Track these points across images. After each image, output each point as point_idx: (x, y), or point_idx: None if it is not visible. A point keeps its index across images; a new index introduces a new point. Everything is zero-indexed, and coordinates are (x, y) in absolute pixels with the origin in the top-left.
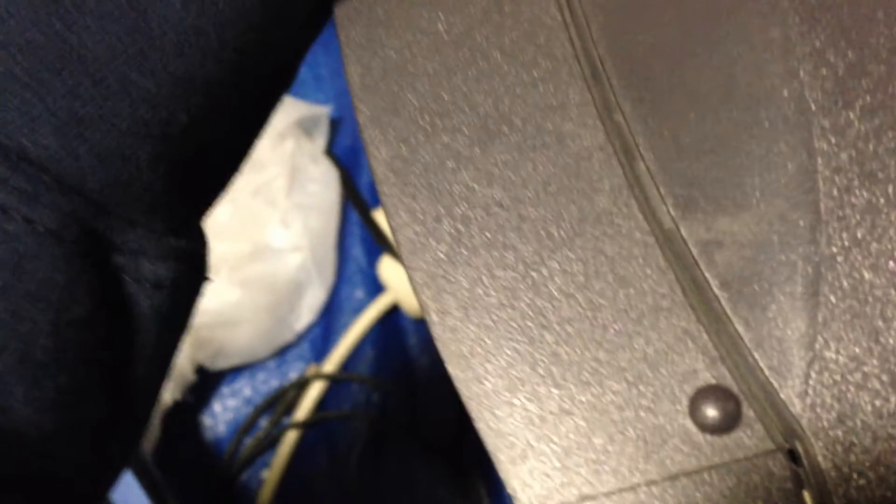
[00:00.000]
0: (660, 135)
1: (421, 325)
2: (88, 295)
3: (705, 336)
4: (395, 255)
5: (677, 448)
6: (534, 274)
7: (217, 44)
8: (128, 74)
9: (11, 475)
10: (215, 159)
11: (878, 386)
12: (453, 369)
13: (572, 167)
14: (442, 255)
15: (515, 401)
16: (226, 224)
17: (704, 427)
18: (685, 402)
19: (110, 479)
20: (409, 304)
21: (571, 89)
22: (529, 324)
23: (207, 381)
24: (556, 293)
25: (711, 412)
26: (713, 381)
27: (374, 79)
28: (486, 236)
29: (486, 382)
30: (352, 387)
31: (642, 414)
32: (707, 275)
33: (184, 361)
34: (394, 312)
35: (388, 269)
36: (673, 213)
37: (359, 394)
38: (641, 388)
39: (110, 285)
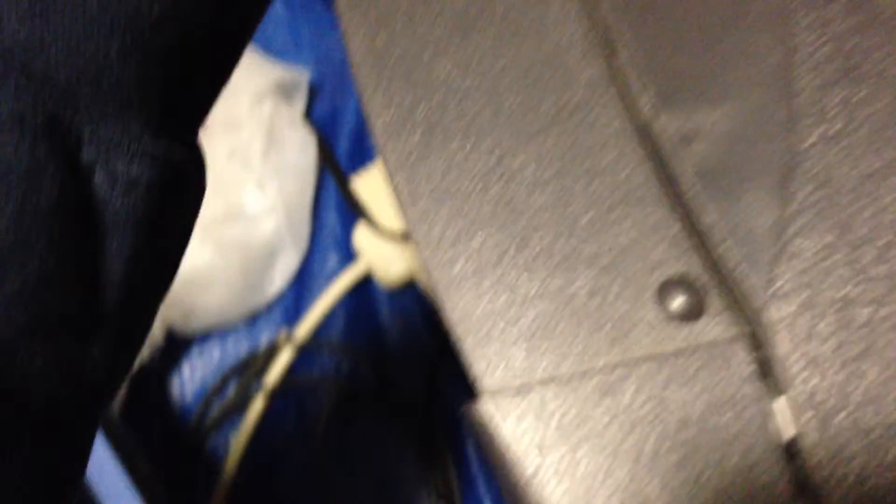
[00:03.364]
0: (641, 27)
1: (393, 295)
2: (55, 184)
3: (677, 227)
4: (371, 222)
5: (643, 334)
6: (508, 161)
7: None
8: None
9: None
10: (193, 60)
11: (847, 273)
12: (423, 252)
13: (552, 57)
14: (416, 140)
15: (484, 285)
16: None
17: (671, 315)
18: (653, 290)
19: (102, 389)
20: (383, 273)
21: None
22: (501, 210)
23: (177, 344)
24: (529, 181)
25: (678, 300)
26: (682, 271)
27: None
28: (462, 123)
29: (455, 266)
30: (322, 354)
31: (610, 301)
32: (682, 166)
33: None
34: (367, 281)
35: (362, 237)
36: (651, 103)
37: (329, 361)
38: (611, 276)
39: (80, 178)
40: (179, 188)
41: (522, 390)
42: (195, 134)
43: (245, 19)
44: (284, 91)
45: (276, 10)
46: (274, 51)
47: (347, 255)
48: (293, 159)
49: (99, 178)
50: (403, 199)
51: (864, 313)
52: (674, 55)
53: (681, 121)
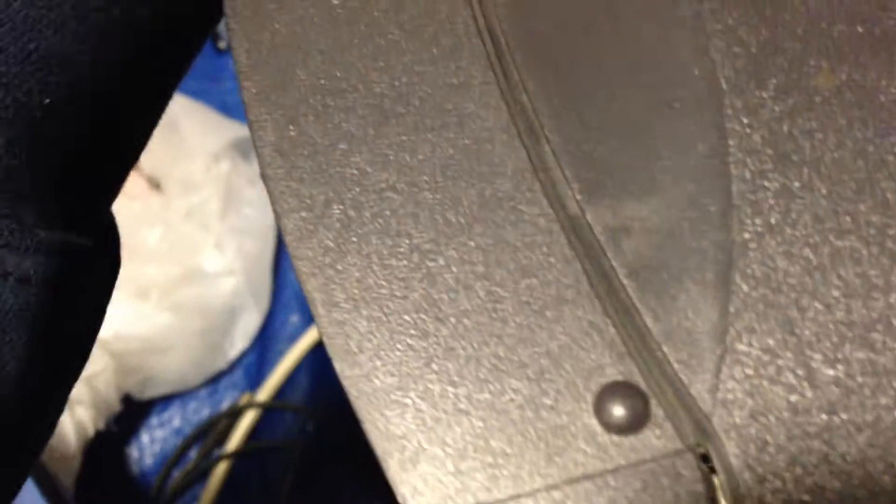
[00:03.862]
0: (565, 115)
1: None
2: None
3: (612, 329)
4: None
5: (581, 449)
6: (429, 263)
7: (74, 20)
8: None
9: None
10: (89, 145)
11: (792, 380)
12: (340, 366)
13: (473, 149)
14: (330, 243)
15: (407, 400)
16: (156, 247)
17: (610, 427)
18: (590, 399)
19: None
20: None
21: (474, 68)
22: (424, 316)
23: (134, 411)
24: (452, 283)
25: (618, 411)
26: (620, 378)
27: (262, 55)
28: (379, 223)
29: (375, 380)
30: (286, 416)
31: (544, 413)
32: (614, 263)
33: (109, 389)
34: None
35: None
36: (579, 197)
37: (293, 423)
38: (543, 385)
39: None
40: (80, 276)
41: None
42: (103, 212)
43: (147, 105)
44: (242, 149)
45: (231, 68)
46: (231, 107)
47: (310, 313)
48: (252, 218)
49: None
50: (317, 309)
51: (817, 421)
52: (600, 144)
53: (609, 215)
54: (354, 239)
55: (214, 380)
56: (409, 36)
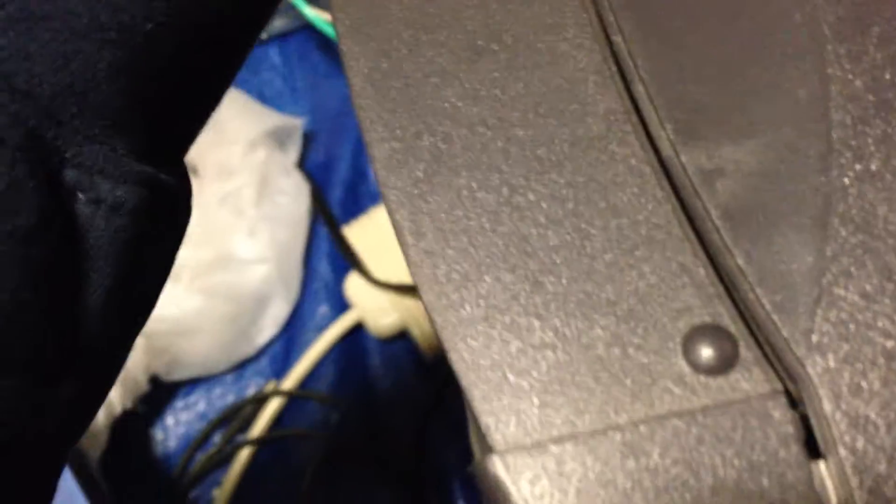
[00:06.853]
0: (661, 57)
1: (384, 345)
2: (33, 206)
3: (703, 271)
4: (363, 272)
5: (668, 388)
6: (519, 198)
7: None
8: None
9: None
10: (184, 82)
11: (889, 326)
12: (427, 295)
13: (565, 88)
14: (420, 174)
15: (493, 331)
16: (190, 230)
17: (698, 367)
18: (678, 340)
19: (69, 431)
20: (374, 323)
21: (568, 8)
22: (512, 250)
23: (161, 392)
24: (542, 219)
25: (706, 352)
26: (709, 319)
27: None
28: (469, 156)
29: (462, 310)
30: (310, 405)
31: (631, 351)
32: (707, 205)
33: (137, 369)
34: (357, 331)
35: (354, 286)
36: (672, 139)
37: (317, 413)
38: (631, 323)
39: (62, 201)
40: (165, 214)
41: (536, 449)
42: (181, 161)
43: (239, 43)
44: (278, 139)
45: (271, 58)
46: (269, 98)
47: (339, 304)
48: (286, 207)
49: (82, 200)
50: (405, 237)
51: None
52: (696, 86)
53: (704, 157)
54: (444, 171)
55: (240, 366)
56: None
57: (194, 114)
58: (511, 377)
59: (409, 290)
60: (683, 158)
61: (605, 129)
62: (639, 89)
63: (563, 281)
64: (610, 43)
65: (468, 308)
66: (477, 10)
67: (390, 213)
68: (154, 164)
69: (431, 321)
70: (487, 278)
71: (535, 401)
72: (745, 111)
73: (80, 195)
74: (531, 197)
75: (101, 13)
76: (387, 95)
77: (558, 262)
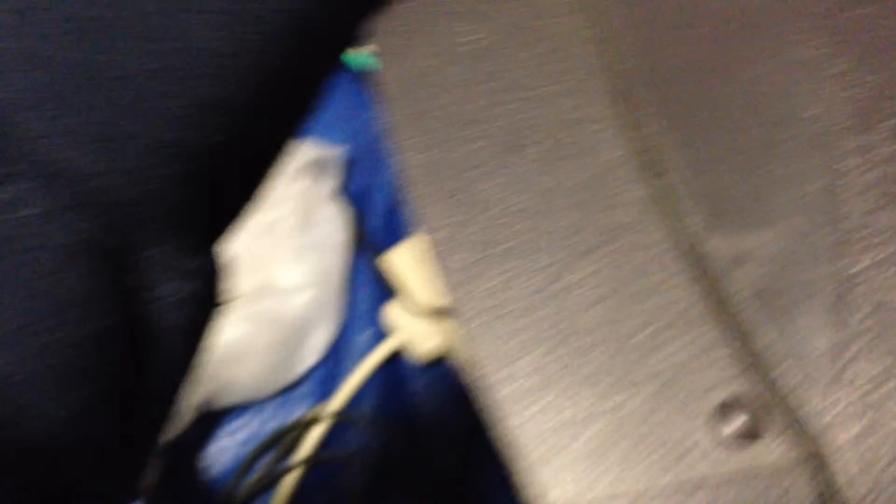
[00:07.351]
0: (688, 149)
1: (426, 370)
2: (114, 308)
3: (729, 349)
4: (403, 299)
5: (698, 459)
6: (562, 279)
7: (246, 67)
8: (160, 94)
9: (23, 489)
10: (242, 181)
11: None
12: (484, 369)
13: (598, 178)
14: (473, 258)
15: (544, 402)
16: (236, 259)
17: (728, 437)
18: (709, 411)
19: (120, 495)
20: (416, 348)
21: (596, 103)
22: (557, 329)
23: (207, 420)
24: (582, 299)
25: (735, 422)
26: (736, 394)
27: (405, 86)
28: (515, 242)
29: (515, 383)
30: (355, 430)
31: (664, 423)
32: (733, 288)
33: (184, 399)
34: (399, 357)
35: (395, 313)
36: (701, 224)
37: (361, 436)
38: (664, 398)
39: (135, 300)
40: (215, 297)
41: None
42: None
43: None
44: (319, 168)
45: None
46: (308, 126)
47: (380, 330)
48: (327, 235)
49: (153, 297)
50: (464, 317)
51: None
52: (720, 177)
53: (731, 242)
54: (494, 255)
55: (284, 392)
56: (534, 73)
57: (244, 206)
58: (558, 446)
59: (448, 315)
60: (713, 243)
61: (636, 216)
62: (667, 179)
63: (604, 356)
64: (638, 135)
65: (520, 380)
66: (506, 106)
67: (447, 292)
68: (206, 253)
69: (486, 394)
70: (537, 353)
71: (582, 466)
72: (767, 200)
73: (151, 292)
74: (572, 278)
75: (174, 130)
76: (439, 184)
77: (599, 338)
